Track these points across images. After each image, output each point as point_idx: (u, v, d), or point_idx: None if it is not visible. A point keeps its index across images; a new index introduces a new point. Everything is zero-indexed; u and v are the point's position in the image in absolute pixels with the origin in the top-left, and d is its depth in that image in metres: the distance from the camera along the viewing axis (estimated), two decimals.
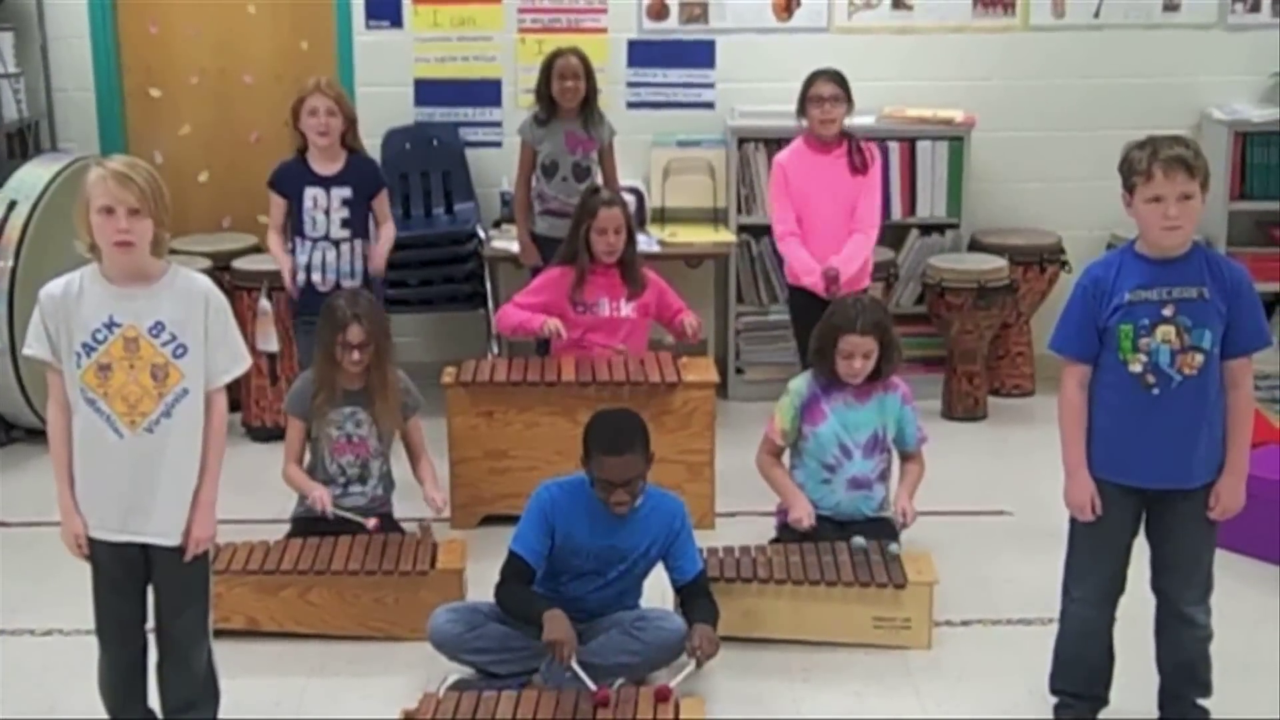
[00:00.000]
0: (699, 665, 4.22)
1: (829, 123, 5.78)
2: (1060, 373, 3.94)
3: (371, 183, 5.71)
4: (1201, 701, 4.04)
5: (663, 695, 4.03)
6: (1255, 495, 4.02)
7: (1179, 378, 3.77)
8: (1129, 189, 3.78)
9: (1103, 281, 3.83)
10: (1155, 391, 3.78)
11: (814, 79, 5.82)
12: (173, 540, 3.72)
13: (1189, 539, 3.91)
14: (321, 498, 4.96)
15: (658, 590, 4.57)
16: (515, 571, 4.33)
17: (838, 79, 5.80)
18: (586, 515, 4.35)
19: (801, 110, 5.85)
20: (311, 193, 5.62)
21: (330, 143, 5.58)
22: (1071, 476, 3.91)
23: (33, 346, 3.68)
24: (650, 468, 4.37)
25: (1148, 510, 3.94)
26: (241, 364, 3.78)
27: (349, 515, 5.00)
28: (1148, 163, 3.71)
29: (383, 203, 5.78)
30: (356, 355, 4.99)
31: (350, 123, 5.62)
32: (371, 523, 4.99)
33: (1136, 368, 3.79)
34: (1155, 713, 4.11)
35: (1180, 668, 4.02)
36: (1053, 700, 4.18)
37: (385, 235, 5.80)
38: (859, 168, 5.83)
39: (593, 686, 4.07)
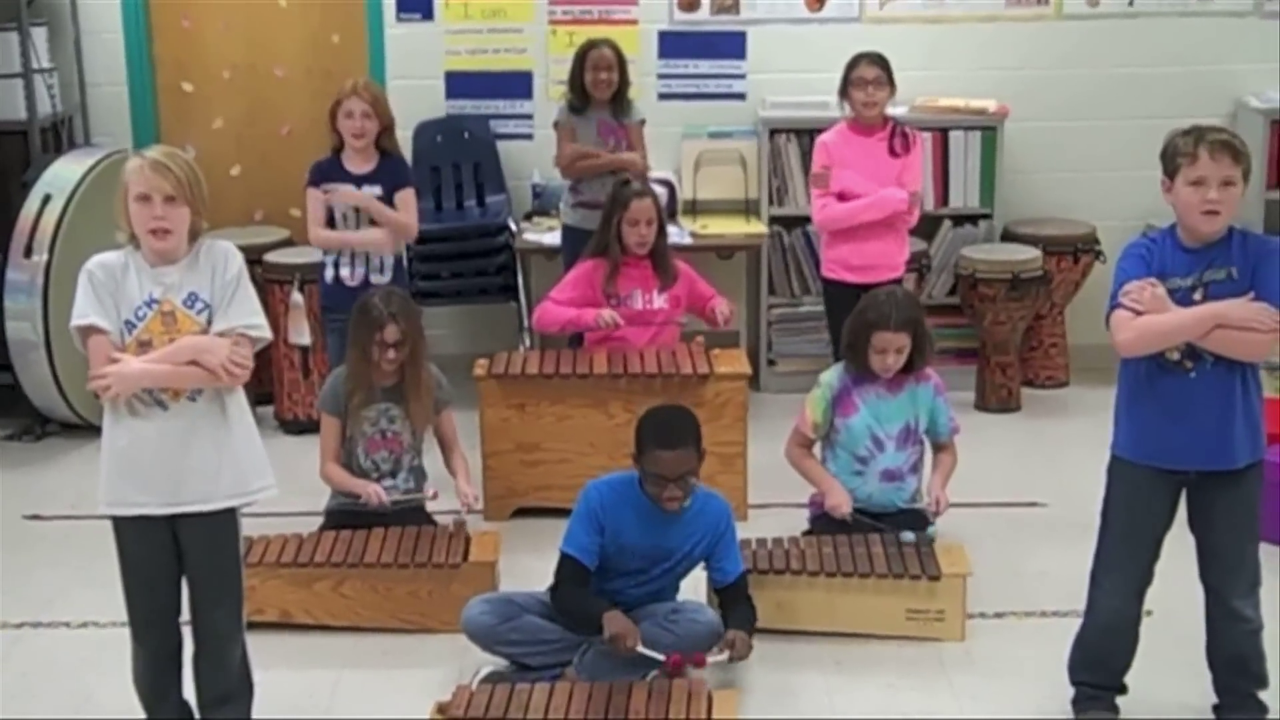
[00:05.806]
0: (730, 660, 4.23)
1: (871, 105, 5.75)
2: (1113, 325, 3.79)
3: (399, 180, 5.68)
4: (1260, 694, 4.02)
5: (698, 662, 4.11)
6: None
7: (1211, 357, 3.76)
8: (1170, 173, 3.77)
9: (1154, 250, 3.81)
10: (1193, 375, 3.78)
11: (856, 62, 5.77)
12: (243, 500, 3.77)
13: (1232, 528, 3.89)
14: (376, 493, 4.97)
15: (690, 584, 4.56)
16: (571, 573, 4.31)
17: (880, 62, 5.75)
18: (634, 514, 4.34)
19: (844, 93, 5.81)
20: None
21: (365, 144, 5.57)
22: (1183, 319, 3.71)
23: (89, 315, 3.61)
24: (702, 464, 4.36)
25: (1189, 499, 3.92)
26: (259, 320, 3.72)
27: (405, 499, 5.05)
28: (1194, 144, 3.71)
29: (407, 200, 5.62)
30: (392, 354, 4.99)
31: (386, 126, 5.61)
32: (431, 492, 5.08)
33: (1174, 354, 3.78)
34: (1205, 706, 4.08)
35: (1231, 661, 4.00)
36: (1071, 691, 4.15)
37: (402, 209, 5.61)
38: (899, 152, 5.80)
39: (662, 658, 4.10)
